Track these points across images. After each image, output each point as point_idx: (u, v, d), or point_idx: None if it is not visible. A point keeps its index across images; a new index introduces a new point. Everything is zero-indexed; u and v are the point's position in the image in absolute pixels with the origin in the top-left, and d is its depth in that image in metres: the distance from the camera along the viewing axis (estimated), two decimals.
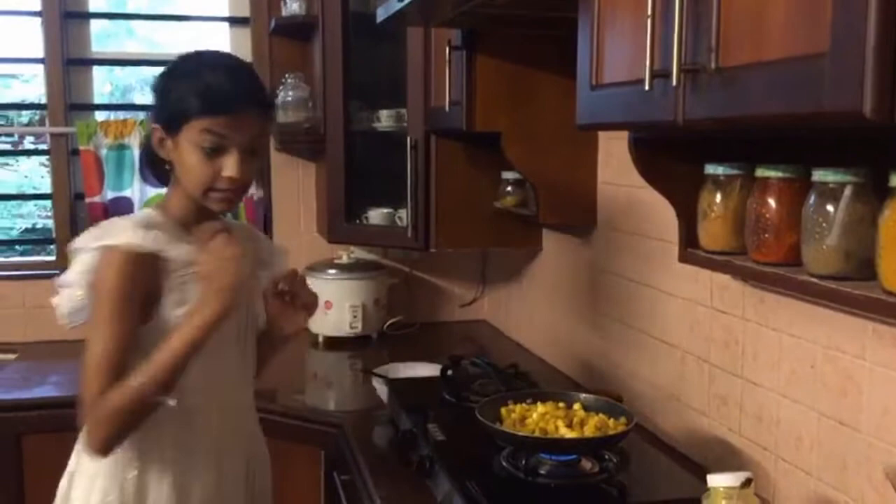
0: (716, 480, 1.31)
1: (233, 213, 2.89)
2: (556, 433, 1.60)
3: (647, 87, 1.13)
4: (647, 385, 2.05)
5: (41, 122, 3.19)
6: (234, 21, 3.13)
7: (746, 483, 1.29)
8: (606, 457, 1.60)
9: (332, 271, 2.88)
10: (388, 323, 3.00)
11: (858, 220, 1.10)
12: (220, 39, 3.10)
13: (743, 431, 1.68)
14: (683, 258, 1.49)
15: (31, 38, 2.99)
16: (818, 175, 1.15)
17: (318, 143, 2.86)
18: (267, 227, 3.06)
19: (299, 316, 1.62)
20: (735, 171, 1.36)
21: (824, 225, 1.13)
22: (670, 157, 1.47)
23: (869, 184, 1.10)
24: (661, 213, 1.83)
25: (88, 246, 1.43)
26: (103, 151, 2.93)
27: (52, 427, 2.10)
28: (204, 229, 1.47)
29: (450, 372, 2.13)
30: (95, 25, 3.12)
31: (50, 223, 3.15)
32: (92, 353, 1.39)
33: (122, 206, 2.86)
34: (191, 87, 1.43)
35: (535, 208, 2.30)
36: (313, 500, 2.22)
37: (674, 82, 1.07)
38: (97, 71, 3.15)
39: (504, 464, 1.60)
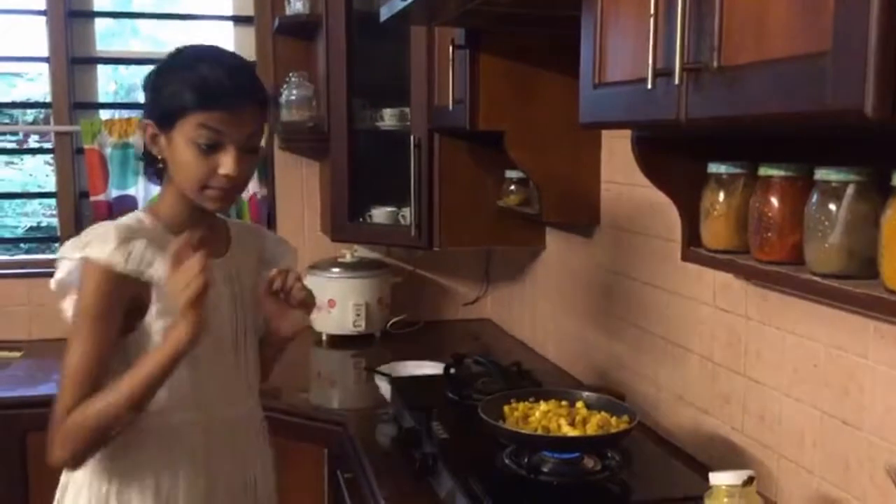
0: (718, 479, 1.31)
1: (236, 212, 2.90)
2: (558, 431, 1.60)
3: (649, 86, 1.13)
4: (649, 383, 2.05)
5: (46, 121, 3.20)
6: (238, 20, 3.14)
7: (749, 481, 1.29)
8: (609, 455, 1.60)
9: (335, 270, 2.88)
10: (391, 321, 3.01)
11: (861, 219, 1.11)
12: (224, 38, 3.11)
13: (745, 430, 1.68)
14: (686, 257, 1.49)
15: (35, 36, 2.99)
16: (821, 174, 1.15)
17: (321, 142, 2.86)
18: (270, 226, 3.07)
19: (296, 315, 1.56)
20: (738, 170, 1.36)
21: (827, 224, 1.13)
22: (673, 155, 1.47)
23: (871, 183, 1.10)
24: (664, 212, 1.83)
25: (72, 256, 1.39)
26: (108, 150, 2.93)
27: None
28: (179, 240, 1.36)
29: (453, 370, 2.13)
30: (100, 24, 3.13)
31: (54, 221, 3.16)
32: (67, 366, 1.36)
33: (126, 205, 2.87)
34: (186, 80, 1.37)
35: (538, 207, 2.30)
36: (317, 498, 2.22)
37: (676, 81, 1.07)
38: (102, 70, 3.16)
39: (507, 462, 1.60)
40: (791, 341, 1.54)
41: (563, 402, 1.73)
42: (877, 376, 1.34)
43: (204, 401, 1.50)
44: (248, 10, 3.10)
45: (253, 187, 2.99)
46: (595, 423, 1.62)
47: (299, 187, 3.15)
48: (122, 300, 1.39)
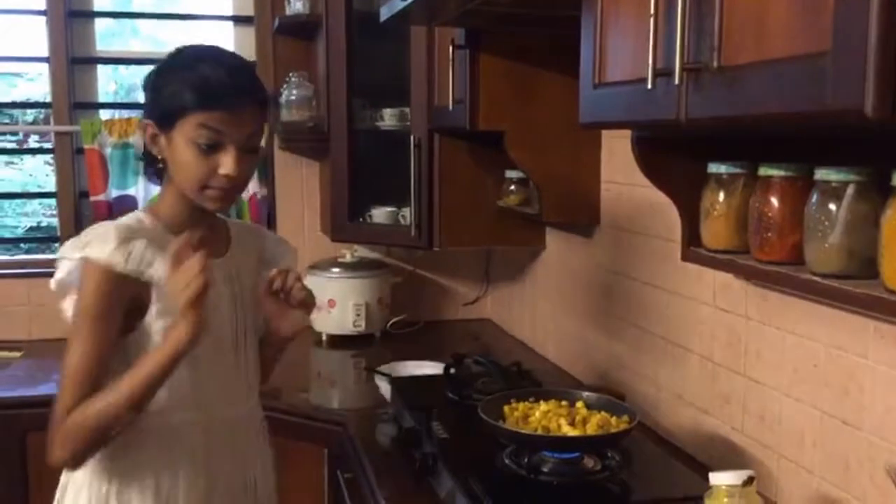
0: (718, 478, 1.31)
1: (236, 212, 2.90)
2: (558, 431, 1.60)
3: (649, 86, 1.13)
4: (649, 383, 2.05)
5: (46, 121, 3.20)
6: (238, 20, 3.14)
7: (748, 481, 1.29)
8: (609, 455, 1.60)
9: (335, 270, 2.88)
10: (391, 321, 3.01)
11: (861, 218, 1.11)
12: (224, 38, 3.11)
13: (745, 430, 1.68)
14: (686, 257, 1.49)
15: (35, 36, 3.00)
16: (821, 174, 1.15)
17: (321, 142, 2.86)
18: (270, 226, 3.07)
19: (296, 315, 1.56)
20: (738, 170, 1.36)
21: (827, 224, 1.13)
22: (673, 155, 1.47)
23: (871, 183, 1.11)
24: (664, 212, 1.83)
25: (72, 256, 1.39)
26: (108, 150, 2.93)
27: None
28: (179, 240, 1.35)
29: (453, 370, 2.13)
30: (100, 24, 3.13)
31: (54, 221, 3.16)
32: (67, 367, 1.36)
33: (126, 205, 2.87)
34: (186, 80, 1.37)
35: (538, 207, 2.30)
36: (317, 498, 2.23)
37: (676, 81, 1.07)
38: (102, 70, 3.16)
39: (507, 462, 1.60)
40: (791, 341, 1.54)
41: (563, 402, 1.73)
42: (877, 376, 1.34)
43: (204, 401, 1.50)
44: (248, 10, 3.10)
45: (253, 187, 2.99)
46: (595, 423, 1.62)
47: (299, 187, 3.15)
48: (122, 300, 1.39)
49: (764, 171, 1.28)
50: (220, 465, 1.53)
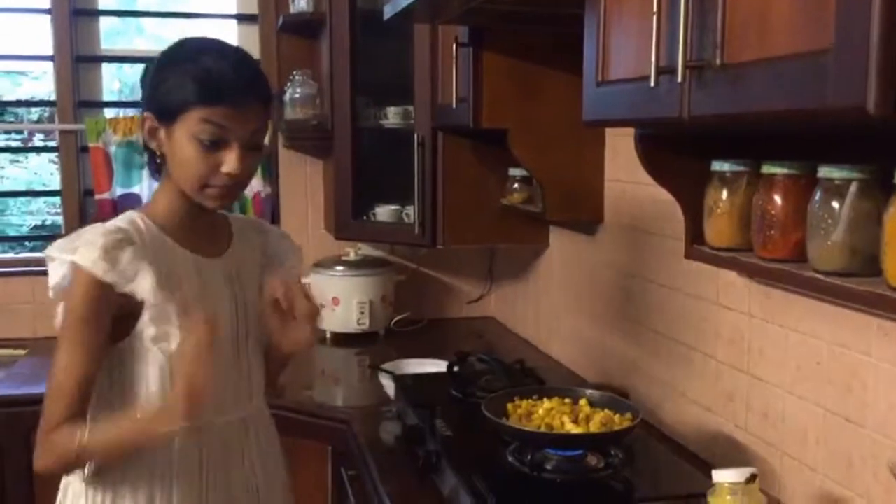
0: (721, 476, 1.32)
1: (240, 210, 2.91)
2: (561, 429, 1.60)
3: (652, 84, 1.13)
4: (652, 381, 2.05)
5: (50, 119, 3.20)
6: (242, 18, 3.14)
7: (751, 479, 1.30)
8: (612, 452, 1.61)
9: (339, 268, 2.89)
10: (395, 319, 3.01)
11: (864, 216, 1.11)
12: (228, 36, 3.10)
13: (749, 428, 1.68)
14: (689, 255, 1.49)
15: (40, 35, 3.00)
16: (824, 172, 1.15)
17: (325, 140, 2.87)
18: (274, 224, 3.07)
19: (299, 331, 1.47)
20: (741, 168, 1.36)
21: (830, 221, 1.14)
22: (676, 153, 1.48)
23: (874, 180, 1.11)
24: (668, 210, 1.83)
25: (61, 258, 1.34)
26: (112, 148, 2.94)
27: None
28: (199, 321, 1.30)
29: (456, 368, 2.14)
30: (104, 23, 3.13)
31: (59, 220, 3.17)
32: (54, 375, 1.34)
33: (130, 202, 2.87)
34: (190, 72, 1.32)
35: (541, 205, 2.30)
36: (321, 495, 2.23)
37: (679, 79, 1.07)
38: (106, 68, 3.17)
39: (510, 459, 1.61)
40: (794, 339, 1.54)
41: (567, 400, 1.73)
42: (880, 374, 1.34)
43: (204, 409, 1.39)
44: (252, 9, 3.11)
45: (257, 185, 3.00)
46: (598, 421, 1.62)
47: (303, 185, 3.15)
48: (111, 307, 1.34)
49: (767, 168, 1.28)
50: (218, 472, 1.47)
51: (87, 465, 1.40)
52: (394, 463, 1.83)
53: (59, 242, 1.38)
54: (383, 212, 2.77)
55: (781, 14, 0.93)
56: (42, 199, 3.78)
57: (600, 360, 2.34)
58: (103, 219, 1.44)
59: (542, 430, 1.60)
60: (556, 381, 2.14)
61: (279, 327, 1.48)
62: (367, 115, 2.75)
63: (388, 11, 2.06)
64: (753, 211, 1.31)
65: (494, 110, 2.21)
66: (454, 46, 2.22)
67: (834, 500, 1.45)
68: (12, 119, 3.45)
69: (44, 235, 3.72)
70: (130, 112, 3.03)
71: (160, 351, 1.37)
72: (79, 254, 1.32)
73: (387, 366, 2.33)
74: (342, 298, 2.84)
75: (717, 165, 1.39)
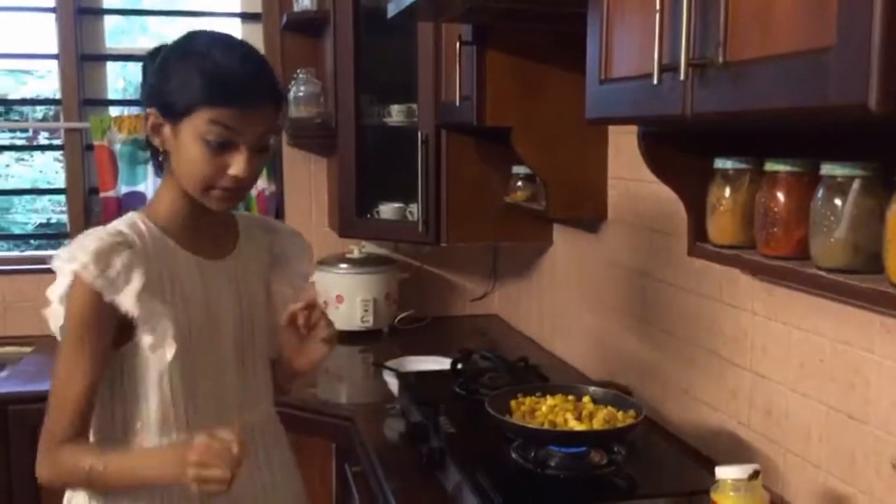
0: (724, 473, 1.32)
1: (244, 208, 2.91)
2: (565, 426, 1.61)
3: (655, 82, 1.13)
4: (656, 378, 2.05)
5: (55, 118, 3.21)
6: (246, 17, 3.15)
7: (754, 475, 1.30)
8: (615, 449, 1.61)
9: (343, 266, 2.89)
10: (399, 317, 3.02)
11: (866, 213, 1.11)
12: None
13: (752, 425, 1.69)
14: (692, 252, 1.50)
15: (45, 34, 3.01)
16: (826, 169, 1.16)
17: (329, 138, 2.87)
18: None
19: (318, 351, 1.46)
20: (744, 165, 1.36)
21: (832, 218, 1.14)
22: (679, 151, 1.48)
23: (877, 177, 1.11)
24: (671, 208, 1.83)
25: (63, 268, 1.30)
26: (117, 146, 2.95)
27: None
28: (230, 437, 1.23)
29: (460, 365, 2.14)
30: (109, 22, 3.14)
31: (64, 218, 3.18)
32: (57, 384, 1.32)
33: (135, 201, 2.88)
34: (200, 70, 1.26)
35: (545, 203, 2.30)
36: (325, 492, 2.24)
37: (682, 76, 1.08)
38: (111, 67, 3.18)
39: (514, 456, 1.61)
40: (797, 336, 1.54)
41: (570, 397, 1.74)
42: (882, 370, 1.34)
43: (198, 421, 1.38)
44: (256, 7, 3.11)
45: (261, 184, 3.00)
46: (601, 418, 1.62)
47: (307, 183, 3.16)
48: (114, 314, 1.30)
49: (770, 166, 1.28)
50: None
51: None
52: (398, 460, 1.83)
53: (61, 250, 1.33)
54: (387, 210, 2.77)
55: (783, 12, 0.93)
56: (47, 197, 3.80)
57: (603, 358, 2.35)
58: (108, 217, 1.43)
59: (546, 427, 1.61)
60: (559, 379, 2.14)
61: (295, 345, 1.48)
62: (371, 113, 2.76)
63: (391, 10, 2.06)
64: (756, 208, 1.31)
65: (498, 108, 2.21)
66: (457, 45, 2.22)
67: (837, 496, 1.45)
68: (17, 117, 3.47)
69: (49, 234, 3.73)
70: (135, 110, 3.04)
71: (158, 359, 1.34)
72: (78, 262, 1.28)
73: (391, 363, 2.34)
74: (346, 296, 2.84)
75: (720, 163, 1.39)
